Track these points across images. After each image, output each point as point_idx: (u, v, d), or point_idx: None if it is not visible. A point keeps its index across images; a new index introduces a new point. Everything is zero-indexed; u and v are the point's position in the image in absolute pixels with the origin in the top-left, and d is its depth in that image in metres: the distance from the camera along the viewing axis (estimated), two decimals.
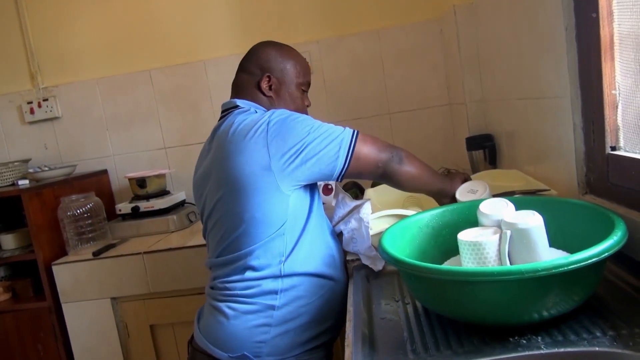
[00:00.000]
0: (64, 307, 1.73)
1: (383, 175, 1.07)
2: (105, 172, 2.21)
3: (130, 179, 2.02)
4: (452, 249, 0.90)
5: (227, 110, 1.13)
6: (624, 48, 0.80)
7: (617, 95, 0.83)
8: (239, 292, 1.03)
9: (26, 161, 2.14)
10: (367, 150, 1.02)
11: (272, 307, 1.01)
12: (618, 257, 0.83)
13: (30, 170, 2.06)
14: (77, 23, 2.16)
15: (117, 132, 2.21)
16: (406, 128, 2.07)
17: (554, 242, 0.82)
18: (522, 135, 1.29)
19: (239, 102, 1.13)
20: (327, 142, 1.00)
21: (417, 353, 0.69)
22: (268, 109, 1.10)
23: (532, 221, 0.77)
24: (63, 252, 1.82)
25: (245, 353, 1.00)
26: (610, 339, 0.64)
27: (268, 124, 1.00)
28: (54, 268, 1.72)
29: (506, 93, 1.35)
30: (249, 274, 1.02)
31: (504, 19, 1.26)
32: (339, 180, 1.04)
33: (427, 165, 1.11)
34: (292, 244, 1.03)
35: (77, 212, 1.81)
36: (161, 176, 2.04)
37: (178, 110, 2.16)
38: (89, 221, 1.84)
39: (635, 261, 0.79)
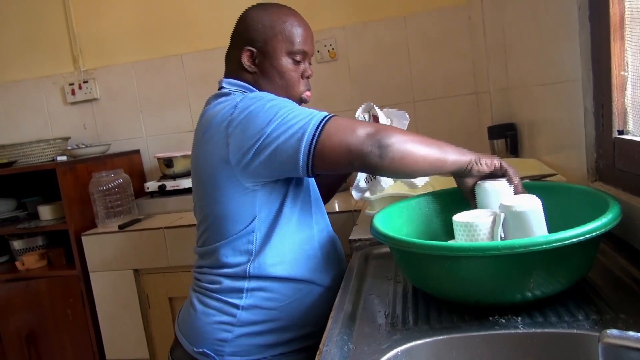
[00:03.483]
0: (92, 275, 1.83)
1: (366, 171, 0.89)
2: (137, 152, 2.31)
3: (158, 159, 2.10)
4: None
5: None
6: (635, 27, 0.76)
7: (627, 76, 0.79)
8: (205, 284, 0.98)
9: (66, 139, 2.27)
10: (334, 143, 0.82)
11: (236, 306, 0.94)
12: (619, 244, 0.80)
13: (69, 148, 2.19)
14: (115, 8, 2.27)
15: (149, 114, 2.30)
16: (430, 117, 2.04)
17: (557, 228, 0.80)
18: (540, 123, 1.25)
19: (224, 82, 1.04)
20: (289, 133, 0.83)
21: (394, 326, 0.70)
22: (255, 87, 1.02)
23: (529, 204, 0.75)
24: (93, 225, 1.93)
25: (206, 350, 0.95)
26: (592, 322, 0.63)
27: (232, 114, 0.89)
28: (83, 239, 1.82)
29: (527, 80, 1.31)
30: (215, 269, 0.97)
31: (526, 1, 1.22)
32: (311, 176, 0.87)
33: (428, 141, 0.82)
34: (260, 244, 0.94)
35: (107, 187, 1.91)
36: (187, 157, 2.11)
37: (207, 94, 2.14)
38: (117, 196, 1.94)
39: (635, 249, 0.76)
